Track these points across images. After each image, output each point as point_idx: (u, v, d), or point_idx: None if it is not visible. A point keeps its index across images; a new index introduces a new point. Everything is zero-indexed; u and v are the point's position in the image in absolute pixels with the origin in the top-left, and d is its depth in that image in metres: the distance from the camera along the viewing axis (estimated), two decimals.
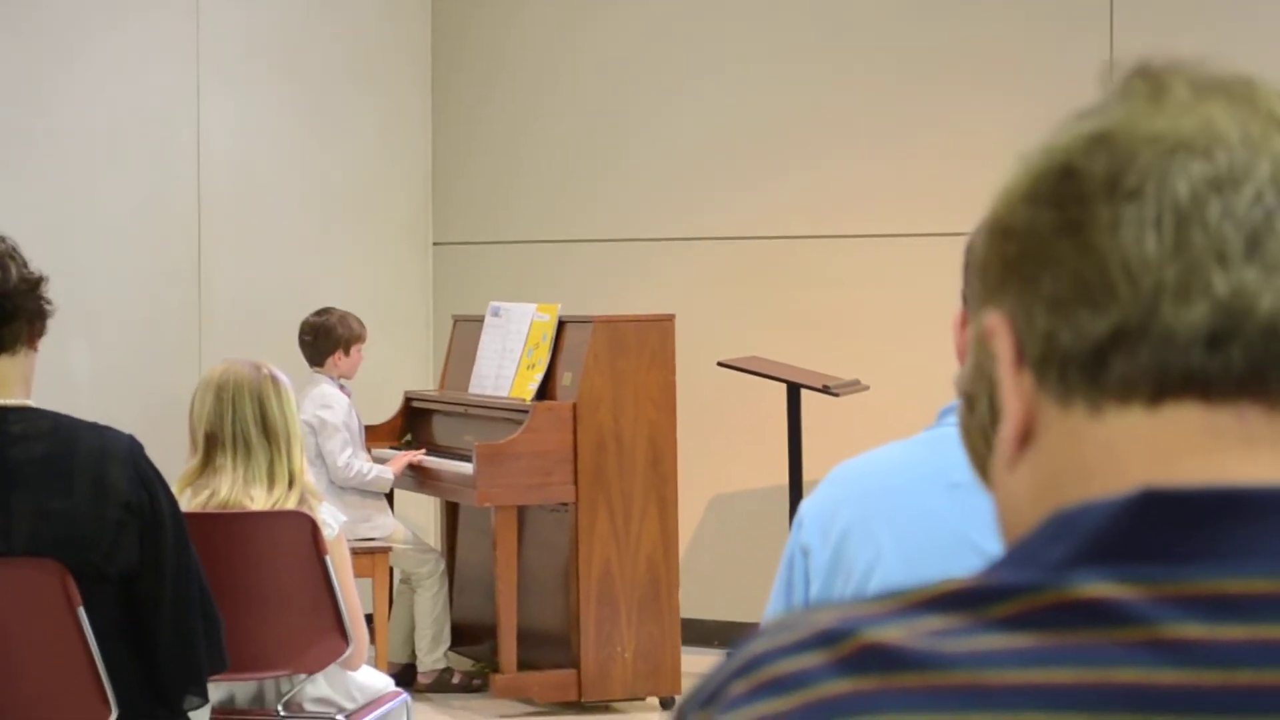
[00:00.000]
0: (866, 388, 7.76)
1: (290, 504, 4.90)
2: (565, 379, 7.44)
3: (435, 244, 9.22)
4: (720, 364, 7.78)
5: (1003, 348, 0.98)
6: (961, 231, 2.32)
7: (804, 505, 2.34)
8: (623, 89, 8.81)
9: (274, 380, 4.92)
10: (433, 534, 8.45)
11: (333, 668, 5.02)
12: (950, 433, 2.04)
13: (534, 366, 7.54)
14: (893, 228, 8.26)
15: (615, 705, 7.46)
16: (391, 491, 7.86)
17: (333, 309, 7.84)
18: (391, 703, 5.21)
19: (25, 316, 3.73)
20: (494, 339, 7.82)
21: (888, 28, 8.32)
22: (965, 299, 2.26)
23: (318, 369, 7.72)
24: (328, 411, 7.56)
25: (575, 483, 7.31)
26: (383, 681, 5.29)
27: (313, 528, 4.88)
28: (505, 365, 7.70)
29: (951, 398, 2.12)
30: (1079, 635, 0.88)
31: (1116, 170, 0.94)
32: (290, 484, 4.91)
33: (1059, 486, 0.95)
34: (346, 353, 7.74)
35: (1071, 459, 0.95)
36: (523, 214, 9.02)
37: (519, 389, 7.56)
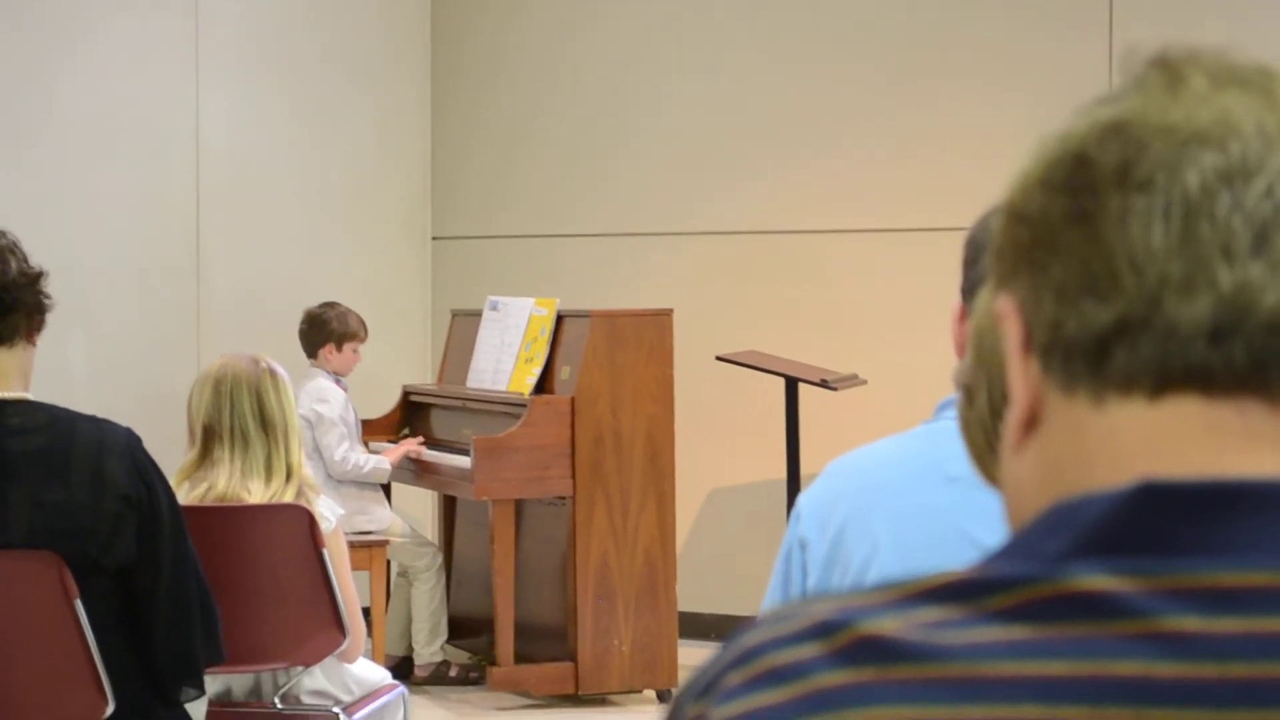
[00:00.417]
0: (864, 382, 7.76)
1: (288, 497, 4.90)
2: (563, 373, 7.44)
3: (434, 238, 9.22)
4: (718, 358, 7.78)
5: (1012, 333, 0.98)
6: (960, 226, 2.32)
7: (802, 498, 2.35)
8: (621, 84, 8.81)
9: (272, 374, 4.93)
10: (430, 527, 8.46)
11: (330, 660, 5.02)
12: (948, 426, 2.05)
13: (532, 360, 7.54)
14: (891, 222, 8.26)
15: (612, 698, 7.47)
16: (389, 485, 7.86)
17: (337, 304, 7.82)
18: (388, 695, 5.21)
19: (24, 310, 3.74)
20: (492, 333, 7.82)
21: (885, 23, 8.32)
22: (963, 293, 2.27)
23: (313, 362, 7.72)
24: (324, 406, 7.56)
25: (573, 476, 7.31)
26: (380, 674, 5.29)
27: (310, 520, 4.89)
28: (503, 359, 7.70)
29: (949, 392, 2.13)
30: (1076, 628, 0.88)
31: (1128, 160, 0.94)
32: (288, 477, 4.91)
33: (1061, 475, 0.95)
34: (338, 348, 7.71)
35: (1074, 448, 0.95)
36: (521, 208, 9.02)
37: (517, 383, 7.56)
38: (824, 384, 7.52)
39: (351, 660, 5.10)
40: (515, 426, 7.28)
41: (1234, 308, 0.92)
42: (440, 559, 7.87)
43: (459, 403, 7.90)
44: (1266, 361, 0.93)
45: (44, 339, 3.85)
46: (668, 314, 7.49)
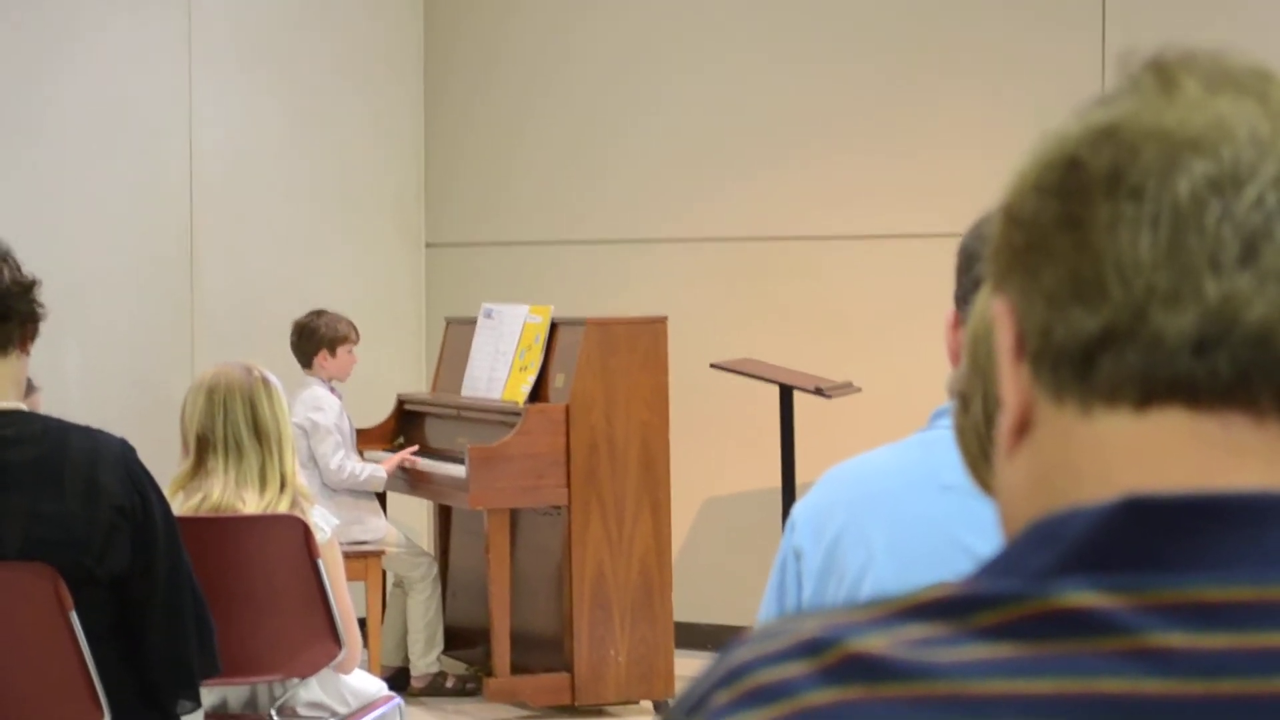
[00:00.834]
0: (859, 390, 7.76)
1: (282, 507, 4.90)
2: (558, 381, 7.43)
3: (428, 245, 9.21)
4: (713, 366, 7.78)
5: (1004, 337, 0.98)
6: (954, 233, 2.32)
7: (797, 508, 2.34)
8: (614, 89, 8.81)
9: (265, 382, 4.92)
10: (425, 537, 8.45)
11: (326, 671, 5.02)
12: (942, 435, 2.04)
13: (526, 368, 7.54)
14: (886, 229, 8.26)
15: (608, 709, 7.46)
16: (384, 494, 7.85)
17: (324, 311, 7.82)
18: (384, 706, 5.20)
19: (17, 319, 3.74)
20: (486, 341, 7.81)
21: (878, 28, 8.32)
22: (957, 300, 2.26)
23: (308, 371, 7.71)
24: (319, 414, 7.55)
25: (568, 485, 7.30)
26: (376, 685, 5.28)
27: (305, 531, 4.88)
28: (498, 367, 7.69)
29: (944, 400, 2.13)
30: (1062, 645, 0.88)
31: (1119, 166, 0.94)
32: (282, 487, 4.91)
33: (1051, 483, 0.95)
34: (333, 353, 7.70)
35: (1063, 457, 0.95)
36: (515, 215, 9.02)
37: (511, 391, 7.55)
38: (819, 392, 7.51)
39: (347, 671, 5.09)
40: (510, 435, 7.28)
41: (1219, 319, 0.92)
42: (435, 569, 7.87)
43: (453, 411, 7.89)
44: (1251, 374, 0.92)
45: (37, 344, 3.85)
46: (662, 321, 7.49)
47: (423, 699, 7.68)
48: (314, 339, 7.71)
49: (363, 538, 7.53)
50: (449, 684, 7.81)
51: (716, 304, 8.51)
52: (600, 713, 7.45)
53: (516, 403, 7.45)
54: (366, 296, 8.74)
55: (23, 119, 7.84)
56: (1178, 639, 0.87)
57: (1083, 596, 0.89)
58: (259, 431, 4.88)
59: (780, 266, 8.45)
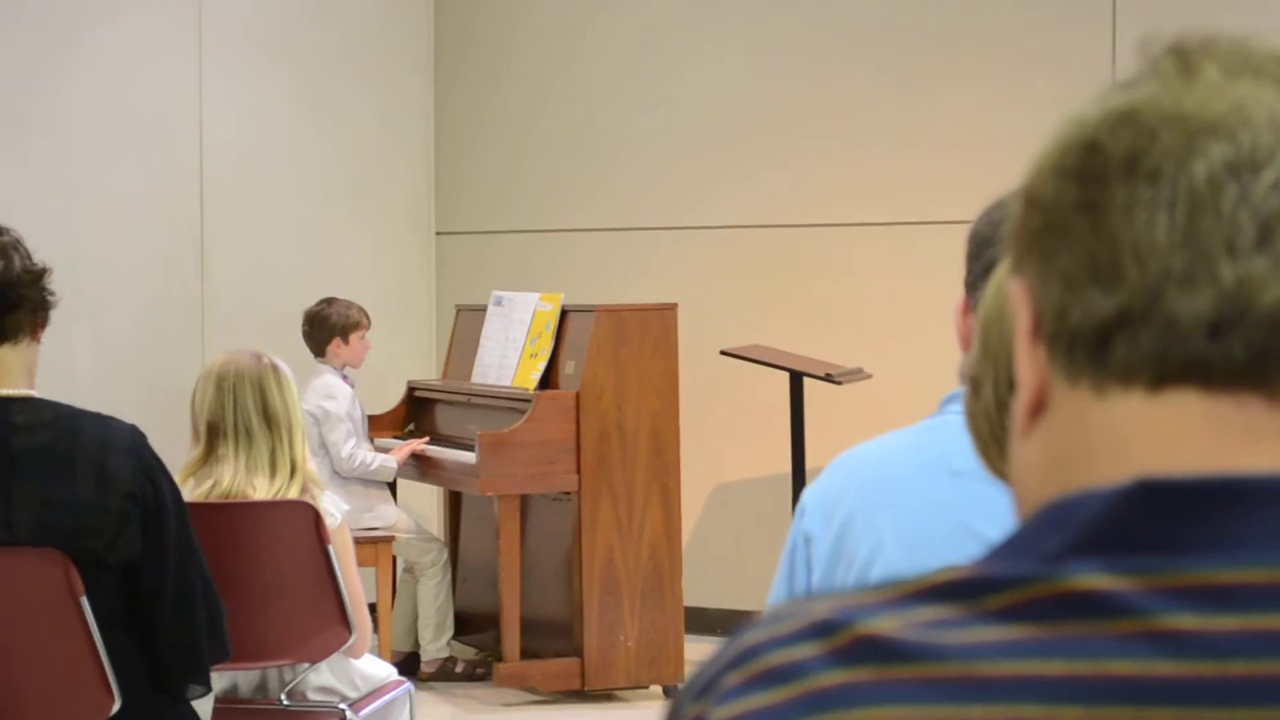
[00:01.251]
0: (869, 376, 7.76)
1: (292, 493, 4.90)
2: (568, 368, 7.44)
3: (438, 233, 9.22)
4: (723, 352, 7.78)
5: (1021, 317, 0.98)
6: (964, 220, 2.32)
7: (806, 493, 2.34)
8: (626, 78, 8.81)
9: (275, 369, 4.93)
10: (436, 523, 8.46)
11: (336, 656, 5.02)
12: (953, 420, 2.04)
13: (537, 356, 7.54)
14: (896, 216, 8.26)
15: (618, 694, 7.47)
16: (394, 481, 7.86)
17: (335, 298, 7.82)
18: (395, 691, 5.21)
19: (28, 307, 3.74)
20: (497, 328, 7.82)
21: (890, 18, 8.31)
22: (967, 286, 2.26)
23: (321, 360, 7.72)
24: (330, 402, 7.56)
25: (578, 472, 7.31)
26: (386, 670, 5.29)
27: (315, 517, 4.89)
28: (508, 354, 7.70)
29: (954, 385, 2.13)
30: (1074, 627, 0.88)
31: (1138, 150, 0.94)
32: (292, 473, 4.91)
33: (1065, 464, 0.95)
34: (345, 340, 7.71)
35: (1077, 438, 0.95)
36: (526, 203, 9.02)
37: (522, 378, 7.56)
38: (829, 378, 7.51)
39: (358, 656, 5.10)
40: (520, 422, 7.28)
41: (1234, 302, 0.92)
42: (446, 555, 7.88)
43: (464, 398, 7.90)
44: (1266, 357, 0.92)
45: (48, 334, 3.85)
46: (672, 308, 7.49)
47: (433, 684, 7.69)
48: (326, 326, 7.72)
49: (373, 524, 7.54)
50: (459, 669, 7.82)
51: (727, 291, 8.51)
52: (610, 698, 7.45)
53: (527, 389, 7.46)
54: (377, 284, 8.74)
55: (34, 112, 7.84)
56: (1189, 621, 0.87)
57: (1094, 579, 0.89)
58: (269, 418, 4.88)
59: (790, 254, 8.45)
